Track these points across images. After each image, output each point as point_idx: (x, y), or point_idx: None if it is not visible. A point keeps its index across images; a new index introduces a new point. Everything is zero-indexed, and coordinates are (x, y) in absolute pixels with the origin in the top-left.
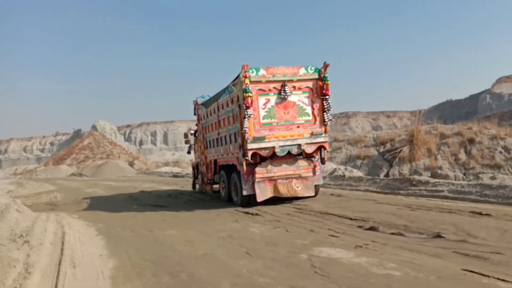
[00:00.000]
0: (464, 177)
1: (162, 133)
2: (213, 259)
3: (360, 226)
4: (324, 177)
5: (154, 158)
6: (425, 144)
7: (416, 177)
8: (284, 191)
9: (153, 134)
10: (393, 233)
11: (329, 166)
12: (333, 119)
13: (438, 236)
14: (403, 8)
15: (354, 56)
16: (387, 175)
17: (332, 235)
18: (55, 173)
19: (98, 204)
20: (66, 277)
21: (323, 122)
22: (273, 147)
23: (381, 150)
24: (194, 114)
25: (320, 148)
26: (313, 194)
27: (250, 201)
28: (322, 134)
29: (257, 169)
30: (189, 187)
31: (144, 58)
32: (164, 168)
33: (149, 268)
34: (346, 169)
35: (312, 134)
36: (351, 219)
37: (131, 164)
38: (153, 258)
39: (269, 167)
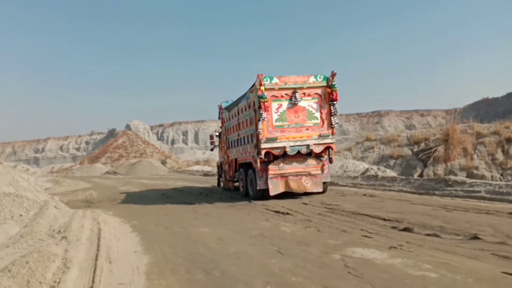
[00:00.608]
0: (502, 177)
1: (193, 132)
2: (245, 257)
3: (394, 227)
4: (355, 177)
5: (185, 157)
6: (460, 143)
7: (452, 177)
8: (294, 186)
9: (185, 134)
10: (428, 234)
11: (361, 166)
12: (339, 123)
13: (476, 237)
14: (439, 3)
15: (387, 54)
16: (421, 175)
17: (365, 236)
18: (90, 171)
19: (132, 201)
20: (103, 272)
21: (330, 125)
22: (284, 147)
23: (415, 149)
24: (219, 117)
25: (328, 148)
26: (321, 190)
27: (263, 195)
28: (329, 136)
29: (270, 166)
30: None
31: (176, 60)
32: (195, 166)
33: (182, 264)
34: (379, 169)
35: (320, 135)
36: (384, 219)
37: (163, 162)
38: (186, 255)
39: (281, 165)
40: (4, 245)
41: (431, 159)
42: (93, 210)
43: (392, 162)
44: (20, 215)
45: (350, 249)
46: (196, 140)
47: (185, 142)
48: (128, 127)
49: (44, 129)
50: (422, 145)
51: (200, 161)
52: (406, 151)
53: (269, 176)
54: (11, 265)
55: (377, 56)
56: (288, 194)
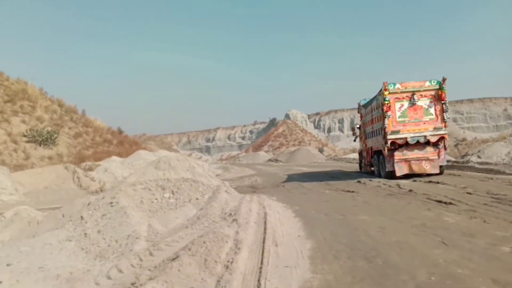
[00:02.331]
0: None
1: (348, 120)
2: (407, 247)
3: None
4: None
5: (342, 144)
6: None
7: None
8: (416, 169)
9: (341, 121)
10: None
11: None
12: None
13: None
14: None
15: None
16: None
17: None
18: (254, 159)
19: (293, 188)
20: (270, 254)
21: (443, 120)
22: (406, 138)
23: None
24: (358, 112)
25: (442, 138)
26: (437, 172)
27: (392, 175)
28: (442, 128)
29: (396, 153)
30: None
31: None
32: (351, 154)
33: (344, 251)
34: None
35: (434, 128)
36: None
37: (320, 150)
38: (348, 242)
39: (404, 151)
40: (184, 226)
41: None
42: (258, 195)
43: None
44: (197, 199)
45: None
46: (352, 128)
47: (341, 130)
48: (287, 116)
49: (214, 120)
50: None
51: (357, 148)
52: None
53: (395, 160)
54: (191, 244)
55: None
56: (410, 175)
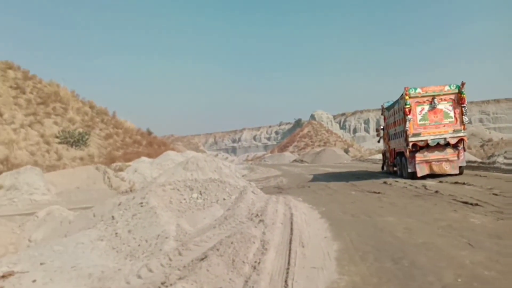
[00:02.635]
0: None
1: (374, 120)
2: (433, 248)
3: None
4: None
5: (368, 145)
6: None
7: None
8: (436, 169)
9: (366, 122)
10: None
11: None
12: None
13: None
14: None
15: None
16: None
17: None
18: (280, 160)
19: (319, 189)
20: (297, 255)
21: (462, 122)
22: (427, 140)
23: None
24: (382, 114)
25: (461, 140)
26: (457, 172)
27: (413, 176)
28: (461, 130)
29: (417, 154)
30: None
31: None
32: (377, 155)
33: (371, 252)
34: None
35: (454, 130)
36: None
37: (346, 151)
38: (374, 243)
39: (425, 153)
40: (212, 226)
41: None
42: (284, 196)
43: None
44: (224, 199)
45: None
46: (376, 129)
47: (366, 130)
48: (312, 117)
49: (240, 121)
50: None
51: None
52: None
53: (417, 162)
54: (219, 244)
55: None
56: (436, 175)
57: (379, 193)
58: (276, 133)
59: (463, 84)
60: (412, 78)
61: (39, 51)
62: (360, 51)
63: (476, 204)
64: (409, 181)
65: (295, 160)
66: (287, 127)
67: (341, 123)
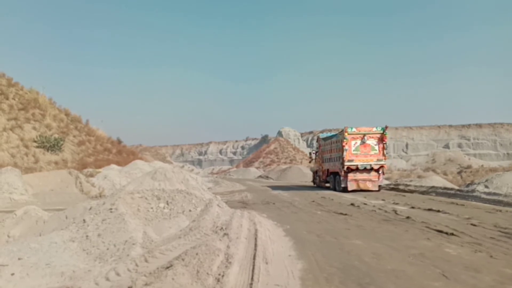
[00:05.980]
0: None
1: None
2: (404, 276)
3: None
4: None
5: None
6: None
7: None
8: (362, 186)
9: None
10: None
11: None
12: (389, 153)
13: None
14: None
15: None
16: None
17: None
18: (245, 174)
19: (284, 206)
20: (260, 271)
21: (383, 154)
22: (357, 165)
23: None
24: (317, 142)
25: (382, 167)
26: (377, 189)
27: (345, 190)
28: (382, 160)
29: (349, 174)
30: (371, 196)
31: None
32: None
33: (336, 275)
34: None
35: (377, 159)
36: None
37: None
38: (340, 266)
39: (356, 174)
40: (177, 236)
41: None
42: (249, 211)
43: None
44: (190, 210)
45: None
46: (310, 153)
47: None
48: (279, 133)
49: (207, 134)
50: None
51: None
52: None
53: (348, 180)
54: (184, 254)
55: None
56: (359, 192)
57: (346, 214)
58: (242, 148)
59: (386, 127)
60: (380, 102)
61: (21, 57)
62: (329, 72)
63: (452, 234)
64: (378, 205)
65: (260, 176)
66: (253, 142)
67: (309, 141)
